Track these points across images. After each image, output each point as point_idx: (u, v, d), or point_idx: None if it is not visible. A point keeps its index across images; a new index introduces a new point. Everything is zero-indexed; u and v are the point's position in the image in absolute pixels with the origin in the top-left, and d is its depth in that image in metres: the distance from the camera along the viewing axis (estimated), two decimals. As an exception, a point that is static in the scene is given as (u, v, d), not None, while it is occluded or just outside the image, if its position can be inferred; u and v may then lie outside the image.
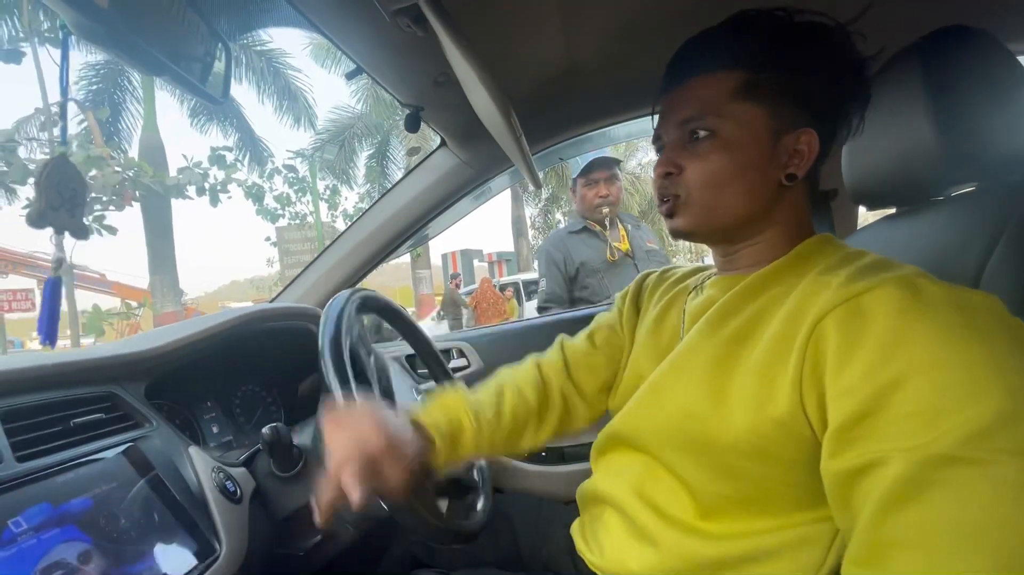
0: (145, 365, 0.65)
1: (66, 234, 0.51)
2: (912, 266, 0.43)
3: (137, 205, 10.13)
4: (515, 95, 0.90)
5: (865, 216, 0.94)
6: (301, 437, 0.76)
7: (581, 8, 0.73)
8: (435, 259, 14.54)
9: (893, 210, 0.72)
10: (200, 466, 0.60)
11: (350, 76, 0.81)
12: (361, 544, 0.76)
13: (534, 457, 1.27)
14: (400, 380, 0.84)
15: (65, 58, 0.47)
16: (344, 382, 0.57)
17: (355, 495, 0.45)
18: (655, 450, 0.54)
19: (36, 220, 0.48)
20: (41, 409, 0.51)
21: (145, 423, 0.60)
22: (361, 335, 0.75)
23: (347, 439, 0.48)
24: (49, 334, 0.53)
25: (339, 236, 1.13)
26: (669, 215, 0.54)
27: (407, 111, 0.91)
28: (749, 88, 0.49)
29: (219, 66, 0.58)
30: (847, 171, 0.70)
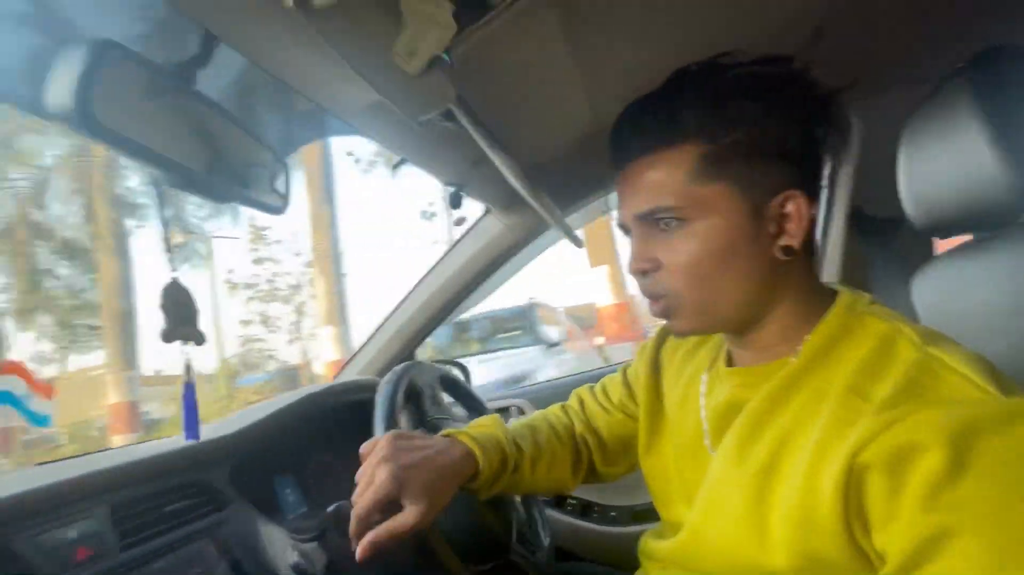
0: (228, 450, 0.72)
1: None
2: (963, 368, 0.36)
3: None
4: (546, 159, 0.93)
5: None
6: None
7: (601, 74, 0.76)
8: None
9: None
10: (275, 545, 0.64)
11: (396, 167, 0.89)
12: None
13: (604, 518, 1.21)
14: None
15: (161, 207, 0.57)
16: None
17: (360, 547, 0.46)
18: None
19: (168, 336, 0.55)
20: (142, 500, 0.57)
21: (227, 506, 0.65)
22: (419, 405, 0.78)
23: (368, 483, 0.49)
24: (193, 432, 0.60)
25: (396, 307, 1.20)
26: (665, 316, 0.48)
27: (450, 189, 0.97)
28: (710, 162, 0.42)
29: (281, 180, 0.67)
30: (907, 201, 0.66)
